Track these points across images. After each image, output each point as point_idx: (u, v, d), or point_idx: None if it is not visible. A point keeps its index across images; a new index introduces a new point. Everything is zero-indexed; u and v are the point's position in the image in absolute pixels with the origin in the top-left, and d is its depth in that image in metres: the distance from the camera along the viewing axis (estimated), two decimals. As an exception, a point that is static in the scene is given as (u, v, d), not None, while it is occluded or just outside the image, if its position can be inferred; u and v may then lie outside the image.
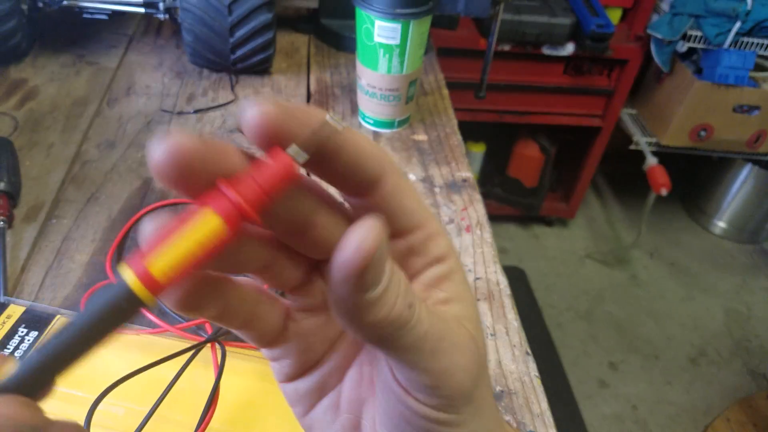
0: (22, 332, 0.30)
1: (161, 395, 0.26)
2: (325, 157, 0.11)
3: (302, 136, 0.10)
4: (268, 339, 0.14)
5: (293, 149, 0.10)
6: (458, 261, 0.14)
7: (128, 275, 0.10)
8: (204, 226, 0.10)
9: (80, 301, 0.31)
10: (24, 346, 0.29)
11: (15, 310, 0.31)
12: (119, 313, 0.10)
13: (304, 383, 0.15)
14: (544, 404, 0.29)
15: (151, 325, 0.31)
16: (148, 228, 0.10)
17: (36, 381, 0.10)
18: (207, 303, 0.12)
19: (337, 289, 0.10)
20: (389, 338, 0.11)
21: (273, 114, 0.10)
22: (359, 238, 0.10)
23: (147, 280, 0.10)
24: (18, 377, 0.10)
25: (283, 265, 0.13)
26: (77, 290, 0.32)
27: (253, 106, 0.10)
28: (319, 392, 0.15)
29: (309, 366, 0.15)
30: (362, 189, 0.12)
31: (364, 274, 0.10)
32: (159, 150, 0.10)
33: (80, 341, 0.10)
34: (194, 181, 0.10)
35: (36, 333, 0.30)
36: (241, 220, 0.10)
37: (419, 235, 0.13)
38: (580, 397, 1.00)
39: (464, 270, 0.14)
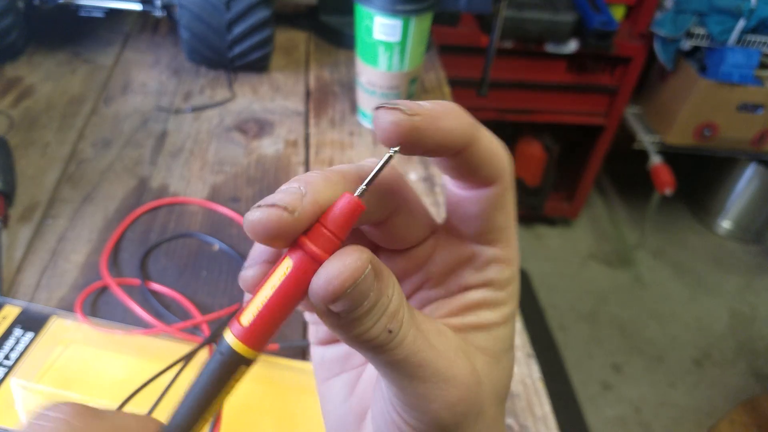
0: (18, 333, 0.30)
1: (158, 398, 0.26)
2: (449, 155, 0.11)
3: (366, 182, 0.11)
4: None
5: (360, 189, 0.11)
6: (514, 299, 0.13)
7: (228, 336, 0.11)
8: (281, 274, 0.11)
9: (76, 302, 0.31)
10: (19, 347, 0.29)
11: (11, 311, 0.31)
12: (228, 371, 0.11)
13: (331, 351, 0.15)
14: (547, 407, 0.29)
15: (146, 325, 0.31)
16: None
17: None
18: None
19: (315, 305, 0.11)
20: (367, 353, 0.11)
21: (405, 125, 0.11)
22: (331, 274, 0.10)
23: (239, 332, 0.11)
24: None
25: None
26: (73, 291, 0.32)
27: (387, 116, 0.11)
28: (341, 365, 0.15)
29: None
30: (469, 184, 0.12)
31: (336, 303, 0.10)
32: (257, 218, 0.10)
33: (202, 404, 0.11)
34: (283, 242, 0.11)
35: (32, 334, 0.30)
36: (314, 262, 0.11)
37: (488, 252, 0.13)
38: (583, 400, 0.99)
39: (515, 311, 0.14)
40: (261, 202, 0.11)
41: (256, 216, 0.10)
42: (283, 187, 0.11)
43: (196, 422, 0.11)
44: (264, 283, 0.11)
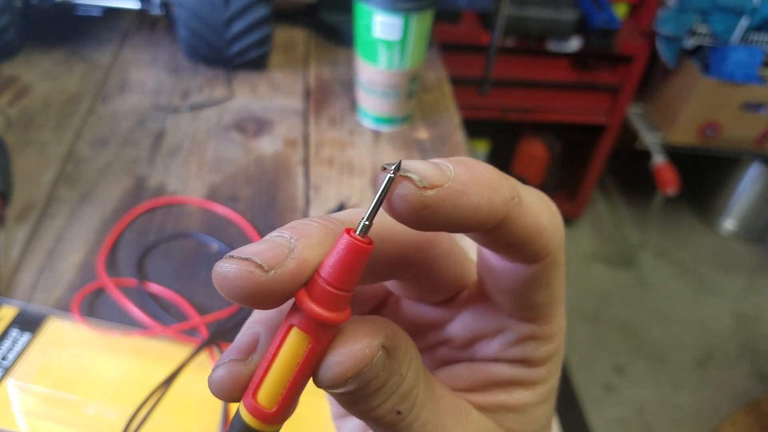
0: (15, 334, 0.30)
1: (156, 399, 0.26)
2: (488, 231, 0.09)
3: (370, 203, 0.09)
4: None
5: (360, 225, 0.09)
6: (554, 375, 0.12)
7: (245, 415, 0.10)
8: (295, 346, 0.10)
9: (73, 303, 0.31)
10: (17, 347, 0.29)
11: (7, 312, 0.30)
12: None
13: (350, 425, 0.14)
14: (550, 411, 0.28)
15: (143, 326, 0.30)
16: (217, 376, 0.10)
17: None
18: None
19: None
20: (375, 429, 0.10)
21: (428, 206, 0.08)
22: (334, 362, 0.09)
23: (262, 415, 0.10)
24: None
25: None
26: (70, 291, 0.32)
27: (397, 190, 0.08)
28: None
29: None
30: (506, 259, 0.10)
31: (346, 384, 0.09)
32: (222, 275, 0.09)
33: None
34: (267, 303, 0.09)
35: (29, 334, 0.30)
36: (327, 330, 0.10)
37: (524, 329, 0.11)
38: (585, 402, 0.98)
39: (555, 387, 0.12)
40: (234, 252, 0.09)
41: (224, 269, 0.09)
42: (272, 234, 0.09)
43: None
44: (276, 358, 0.10)
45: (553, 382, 0.12)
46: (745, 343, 1.14)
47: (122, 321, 0.31)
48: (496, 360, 0.11)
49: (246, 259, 0.09)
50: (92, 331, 0.30)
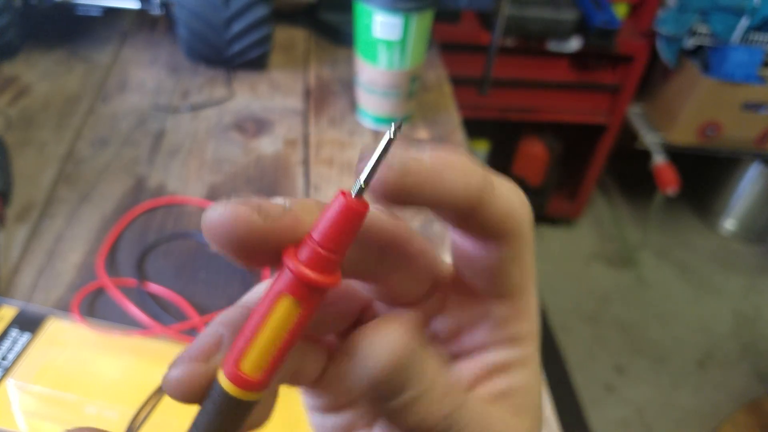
0: (15, 334, 0.30)
1: (156, 399, 0.26)
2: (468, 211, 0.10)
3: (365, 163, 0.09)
4: (308, 382, 0.12)
5: (356, 187, 0.09)
6: (535, 354, 0.12)
7: (224, 382, 0.10)
8: (282, 312, 0.09)
9: (73, 303, 0.31)
10: (17, 348, 0.29)
11: (7, 312, 0.30)
12: (228, 418, 0.10)
13: (332, 420, 0.13)
14: (550, 409, 0.28)
15: (143, 326, 0.30)
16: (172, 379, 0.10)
17: None
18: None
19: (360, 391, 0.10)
20: None
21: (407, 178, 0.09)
22: (378, 353, 0.09)
23: (243, 383, 0.10)
24: None
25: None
26: (70, 291, 0.32)
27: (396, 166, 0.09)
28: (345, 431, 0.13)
29: (342, 405, 0.13)
30: (477, 240, 0.10)
31: (387, 385, 0.09)
32: (216, 216, 0.09)
33: None
34: (252, 255, 0.09)
35: (29, 334, 0.30)
36: (315, 294, 0.09)
37: (504, 308, 0.11)
38: (585, 402, 0.98)
39: (539, 371, 0.12)
40: (231, 201, 0.09)
41: (219, 211, 0.08)
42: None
43: None
44: (262, 325, 0.09)
45: (538, 362, 0.12)
46: (746, 343, 1.14)
47: (122, 321, 0.31)
48: (487, 347, 0.12)
49: (245, 204, 0.09)
50: (92, 331, 0.30)
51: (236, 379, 0.09)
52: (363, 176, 0.09)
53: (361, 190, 0.09)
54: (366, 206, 0.09)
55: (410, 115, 0.48)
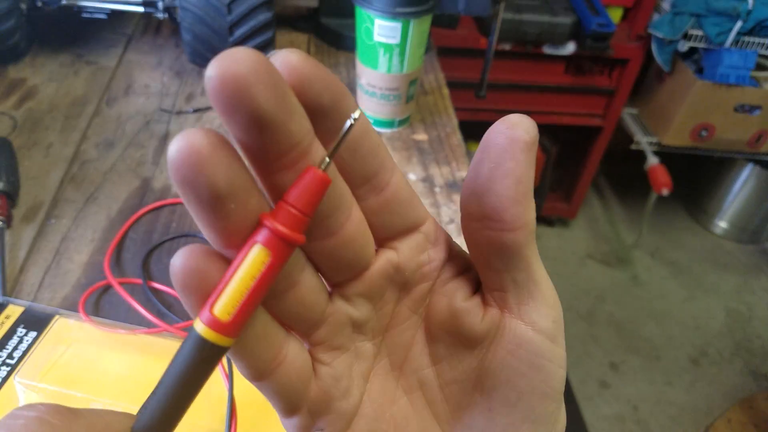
0: (21, 332, 0.30)
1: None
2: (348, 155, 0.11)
3: (332, 142, 0.11)
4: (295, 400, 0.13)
5: (324, 162, 0.11)
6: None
7: (198, 325, 0.10)
8: (253, 260, 0.10)
9: (79, 302, 0.31)
10: (23, 346, 0.29)
11: (14, 311, 0.31)
12: (201, 362, 0.11)
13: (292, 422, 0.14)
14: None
15: (148, 324, 0.31)
16: (178, 264, 0.10)
17: None
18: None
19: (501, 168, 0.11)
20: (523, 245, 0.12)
21: (305, 71, 0.10)
22: (523, 120, 0.11)
23: (216, 325, 0.10)
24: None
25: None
26: (76, 290, 0.32)
27: (293, 55, 0.10)
28: None
29: (293, 409, 0.13)
30: (371, 182, 0.12)
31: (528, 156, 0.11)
32: (178, 149, 0.09)
33: (182, 398, 0.11)
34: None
35: (35, 333, 0.30)
36: (287, 245, 0.10)
37: (423, 231, 0.13)
38: (580, 398, 0.99)
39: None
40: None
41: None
42: None
43: (176, 419, 0.11)
44: (235, 272, 0.10)
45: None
46: (739, 340, 1.16)
47: (127, 319, 0.31)
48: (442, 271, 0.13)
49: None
50: (98, 330, 0.30)
51: (208, 320, 0.10)
52: (330, 154, 0.11)
53: (326, 165, 0.11)
54: (329, 179, 0.11)
55: (409, 117, 0.48)
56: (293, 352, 0.12)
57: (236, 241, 0.10)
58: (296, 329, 0.13)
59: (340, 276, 0.13)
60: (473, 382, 0.13)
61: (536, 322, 0.12)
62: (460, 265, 0.14)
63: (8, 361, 0.28)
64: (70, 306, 0.31)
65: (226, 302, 0.10)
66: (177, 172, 0.09)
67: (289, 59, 0.10)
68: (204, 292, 0.10)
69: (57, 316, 0.31)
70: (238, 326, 0.10)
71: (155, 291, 0.33)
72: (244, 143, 0.10)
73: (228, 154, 0.09)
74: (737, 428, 0.93)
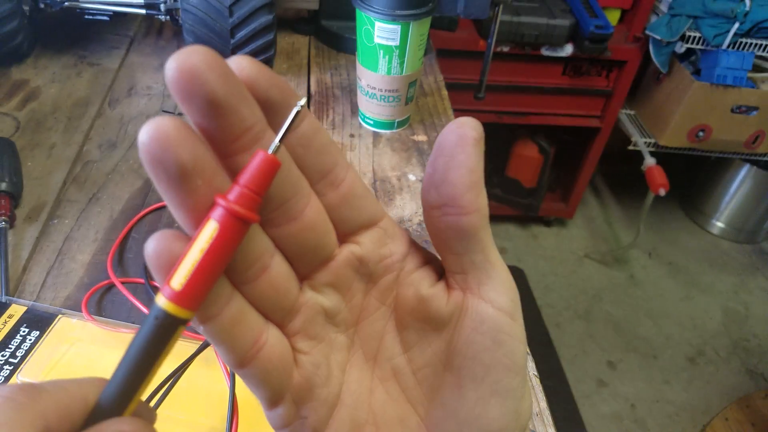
0: (24, 332, 0.30)
1: (162, 395, 0.26)
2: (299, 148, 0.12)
3: (279, 129, 0.12)
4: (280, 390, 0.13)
5: (273, 145, 0.11)
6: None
7: (158, 298, 0.11)
8: (206, 234, 0.11)
9: (81, 301, 0.32)
10: (25, 345, 0.29)
11: (16, 310, 0.31)
12: (158, 331, 0.11)
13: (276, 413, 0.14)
14: (543, 403, 0.29)
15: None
16: (150, 247, 0.11)
17: (120, 403, 0.12)
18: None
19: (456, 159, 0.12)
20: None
21: (253, 70, 0.11)
22: (468, 121, 0.12)
23: (170, 294, 0.11)
24: (111, 400, 0.12)
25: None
26: (78, 290, 0.32)
27: (243, 59, 0.11)
28: None
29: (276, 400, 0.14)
30: (328, 178, 0.13)
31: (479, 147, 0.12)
32: (146, 131, 0.10)
33: (144, 369, 0.11)
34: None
35: (37, 333, 0.30)
36: (238, 221, 0.11)
37: (381, 226, 0.14)
38: (578, 396, 1.00)
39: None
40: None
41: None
42: None
43: (138, 386, 0.11)
44: (190, 246, 0.11)
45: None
46: (736, 340, 1.16)
47: (130, 319, 0.31)
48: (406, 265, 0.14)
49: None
50: (100, 329, 0.30)
51: (165, 291, 0.11)
52: (278, 138, 0.12)
53: (276, 149, 0.11)
54: (278, 161, 0.11)
55: (408, 118, 0.49)
56: (273, 338, 0.13)
57: (201, 219, 0.11)
58: (273, 318, 0.13)
59: (306, 263, 0.13)
60: (443, 362, 0.14)
61: (495, 300, 0.13)
62: (421, 258, 0.15)
63: (11, 360, 0.29)
64: (72, 305, 0.31)
65: (180, 274, 0.11)
66: (147, 152, 0.10)
67: (238, 61, 0.11)
68: (170, 270, 0.11)
69: (60, 316, 0.31)
70: (190, 296, 0.11)
71: (157, 290, 0.33)
72: (202, 128, 0.11)
73: (192, 136, 0.10)
74: (734, 427, 0.94)
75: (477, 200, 0.12)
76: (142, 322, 0.11)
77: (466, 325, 0.13)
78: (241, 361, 0.13)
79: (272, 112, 0.12)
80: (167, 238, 0.11)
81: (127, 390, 0.11)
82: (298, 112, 0.12)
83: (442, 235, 0.13)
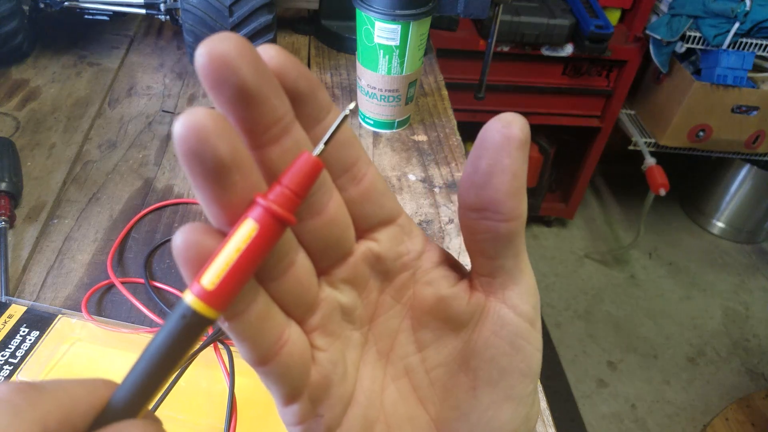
0: (24, 332, 0.30)
1: (162, 395, 0.26)
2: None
3: (323, 133, 0.12)
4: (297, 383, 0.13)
5: (318, 148, 0.11)
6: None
7: (186, 295, 0.11)
8: (243, 234, 0.11)
9: (81, 301, 0.32)
10: (25, 345, 0.29)
11: (16, 310, 0.31)
12: (185, 330, 0.11)
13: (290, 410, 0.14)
14: (543, 403, 0.29)
15: (150, 323, 0.31)
16: (179, 239, 0.11)
17: (137, 403, 0.11)
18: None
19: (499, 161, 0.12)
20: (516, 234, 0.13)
21: (281, 60, 0.11)
22: (515, 117, 0.12)
23: (200, 293, 0.10)
24: (126, 401, 0.11)
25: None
26: (78, 290, 0.32)
27: (271, 48, 0.11)
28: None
29: (293, 396, 0.13)
30: (350, 172, 0.13)
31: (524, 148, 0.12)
32: (181, 123, 0.10)
33: (164, 368, 0.11)
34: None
35: (37, 333, 0.30)
36: (278, 223, 0.11)
37: (399, 224, 0.14)
38: (578, 397, 1.00)
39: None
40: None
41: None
42: None
43: (157, 387, 0.11)
44: (225, 244, 0.10)
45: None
46: (736, 340, 1.16)
47: (130, 319, 0.31)
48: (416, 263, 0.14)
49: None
50: (100, 329, 0.30)
51: (195, 290, 0.10)
52: (324, 140, 0.11)
53: (320, 151, 0.11)
54: (322, 164, 0.11)
55: (409, 118, 0.49)
56: (295, 335, 0.13)
57: (236, 216, 0.11)
58: (293, 314, 0.13)
59: (326, 259, 0.13)
60: (459, 363, 0.14)
61: (518, 306, 0.13)
62: (436, 256, 0.14)
63: (11, 360, 0.29)
64: (72, 305, 0.31)
65: (213, 273, 0.10)
66: (184, 144, 0.10)
67: (267, 50, 0.11)
68: (200, 265, 0.11)
69: (60, 316, 0.31)
70: (222, 297, 0.10)
71: (157, 290, 0.33)
72: (230, 118, 0.11)
73: (230, 129, 0.10)
74: (735, 427, 0.94)
75: (519, 207, 0.12)
76: (166, 320, 0.11)
77: (486, 328, 0.13)
78: (264, 358, 0.12)
79: (299, 103, 0.11)
80: (198, 231, 0.10)
81: (145, 390, 0.11)
82: (345, 116, 0.11)
83: (476, 238, 0.13)
